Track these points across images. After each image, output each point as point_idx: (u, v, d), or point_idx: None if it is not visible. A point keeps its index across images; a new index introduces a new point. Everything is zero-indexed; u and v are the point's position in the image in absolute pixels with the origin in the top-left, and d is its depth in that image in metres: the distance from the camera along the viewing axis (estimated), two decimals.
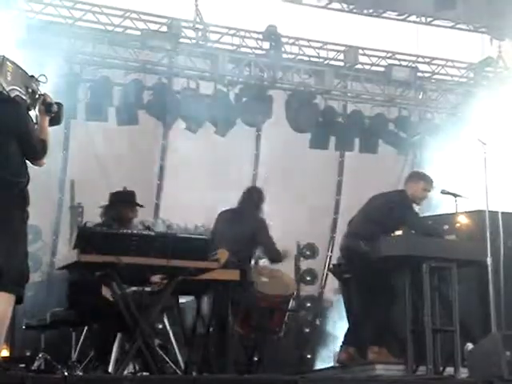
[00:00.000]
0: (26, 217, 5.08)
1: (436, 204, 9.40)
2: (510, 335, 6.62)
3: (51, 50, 9.63)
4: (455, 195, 8.01)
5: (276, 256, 8.40)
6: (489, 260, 6.99)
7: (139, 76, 10.70)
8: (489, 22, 11.62)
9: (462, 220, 7.61)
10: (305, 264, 10.79)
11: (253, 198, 8.51)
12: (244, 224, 8.17)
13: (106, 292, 6.66)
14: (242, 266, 7.53)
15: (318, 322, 9.90)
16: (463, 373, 6.93)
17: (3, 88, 5.03)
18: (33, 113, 5.22)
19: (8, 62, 5.10)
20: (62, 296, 7.37)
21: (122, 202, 7.26)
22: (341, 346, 7.85)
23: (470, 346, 7.30)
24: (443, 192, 8.29)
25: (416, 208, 7.88)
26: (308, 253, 10.80)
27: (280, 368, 7.86)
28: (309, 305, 9.83)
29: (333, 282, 9.82)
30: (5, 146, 5.00)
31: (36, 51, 9.47)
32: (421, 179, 8.01)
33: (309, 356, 9.03)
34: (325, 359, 8.97)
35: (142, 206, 7.32)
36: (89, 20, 10.41)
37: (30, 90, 5.17)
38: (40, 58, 8.88)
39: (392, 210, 7.65)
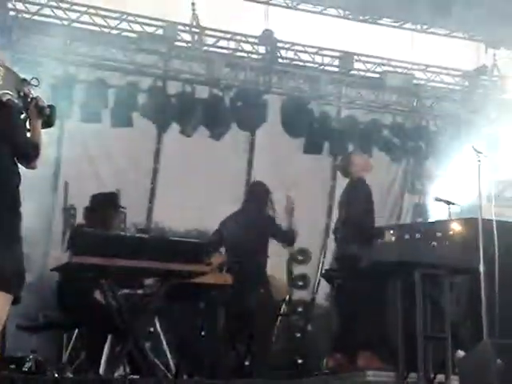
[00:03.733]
0: (19, 218, 5.08)
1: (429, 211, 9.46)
2: (501, 343, 6.63)
3: (47, 51, 9.64)
4: (448, 202, 8.04)
5: (291, 237, 8.51)
6: (481, 268, 6.99)
7: (134, 78, 10.70)
8: (484, 31, 11.66)
9: (455, 227, 7.63)
10: (297, 269, 10.79)
11: (257, 194, 8.62)
12: (253, 225, 8.24)
13: (97, 295, 6.66)
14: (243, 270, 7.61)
15: (309, 327, 9.89)
16: (454, 380, 6.93)
17: None
18: (25, 116, 5.22)
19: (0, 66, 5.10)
20: (53, 297, 7.35)
21: (105, 205, 7.22)
22: (330, 352, 7.88)
23: (461, 353, 7.32)
24: (437, 199, 8.33)
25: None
26: (300, 258, 10.79)
27: (271, 373, 7.85)
28: (300, 310, 9.81)
29: (325, 288, 9.83)
30: None
31: (31, 52, 9.48)
32: (351, 156, 8.48)
33: (300, 361, 9.02)
34: (315, 365, 8.96)
35: (124, 208, 7.30)
36: (85, 22, 10.40)
37: (21, 94, 5.17)
38: (35, 59, 8.88)
39: (348, 206, 7.84)
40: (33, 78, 5.20)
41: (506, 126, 11.62)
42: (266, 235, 8.30)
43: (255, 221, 8.28)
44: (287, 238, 8.46)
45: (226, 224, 8.41)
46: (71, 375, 6.95)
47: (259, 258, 8.20)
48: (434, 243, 7.47)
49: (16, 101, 5.10)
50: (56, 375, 6.86)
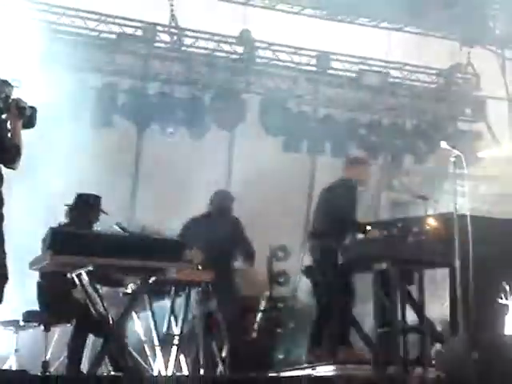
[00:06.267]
0: (1, 219, 5.12)
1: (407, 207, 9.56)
2: (477, 336, 6.74)
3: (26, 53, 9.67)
4: (424, 198, 8.15)
5: (251, 255, 8.69)
6: (457, 262, 7.10)
7: (114, 79, 10.76)
8: (458, 30, 11.82)
9: (431, 222, 7.74)
10: (277, 266, 10.86)
11: (223, 201, 8.78)
12: (220, 228, 8.39)
13: (77, 294, 6.71)
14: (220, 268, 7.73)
15: (290, 323, 9.98)
16: (431, 372, 7.04)
17: None
18: (6, 117, 5.26)
19: None
20: (35, 296, 7.40)
21: (87, 206, 7.34)
22: (309, 347, 7.99)
23: (438, 346, 7.44)
24: (413, 195, 8.45)
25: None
26: (281, 254, 10.87)
27: (252, 368, 7.93)
28: (281, 305, 9.89)
29: (306, 284, 9.91)
30: None
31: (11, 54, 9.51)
32: (358, 162, 8.30)
33: (281, 356, 9.11)
34: (296, 360, 9.05)
35: (105, 213, 7.40)
36: (64, 23, 10.45)
37: (2, 95, 5.22)
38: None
39: (334, 199, 7.90)
40: (14, 80, 5.26)
41: (480, 123, 11.79)
42: (232, 240, 8.54)
43: (222, 225, 8.51)
44: (249, 252, 8.82)
45: (190, 226, 8.65)
46: (54, 373, 6.99)
47: (226, 259, 8.45)
48: (411, 238, 7.59)
49: None
50: (39, 373, 6.91)
